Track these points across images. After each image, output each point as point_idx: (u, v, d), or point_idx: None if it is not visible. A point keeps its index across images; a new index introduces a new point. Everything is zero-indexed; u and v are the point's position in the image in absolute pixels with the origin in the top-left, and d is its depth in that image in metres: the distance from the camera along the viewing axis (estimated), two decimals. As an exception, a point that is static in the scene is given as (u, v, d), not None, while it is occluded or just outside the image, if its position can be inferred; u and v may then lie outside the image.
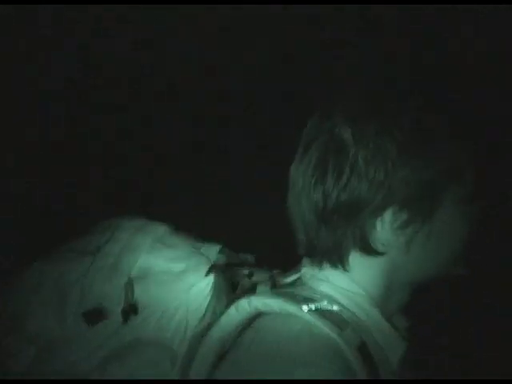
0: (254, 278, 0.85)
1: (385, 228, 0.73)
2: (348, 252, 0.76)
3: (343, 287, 0.76)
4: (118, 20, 2.86)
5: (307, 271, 0.82)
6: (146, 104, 2.68)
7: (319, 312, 0.71)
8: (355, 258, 0.76)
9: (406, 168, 0.71)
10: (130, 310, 0.78)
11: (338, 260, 0.76)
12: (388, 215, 0.73)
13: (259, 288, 0.79)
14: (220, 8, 2.64)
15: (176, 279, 0.82)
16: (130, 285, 0.79)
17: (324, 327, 0.70)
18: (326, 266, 0.78)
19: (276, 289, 0.81)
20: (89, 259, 0.83)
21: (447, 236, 0.76)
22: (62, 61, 2.72)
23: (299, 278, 0.84)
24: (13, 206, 2.54)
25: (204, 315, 0.81)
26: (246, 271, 0.86)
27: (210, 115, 2.73)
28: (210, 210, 2.50)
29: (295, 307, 0.72)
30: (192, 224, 0.95)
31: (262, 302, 0.75)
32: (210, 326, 0.79)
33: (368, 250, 0.75)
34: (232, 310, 0.76)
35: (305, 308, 0.72)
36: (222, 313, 0.78)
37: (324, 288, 0.77)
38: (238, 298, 0.78)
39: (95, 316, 0.78)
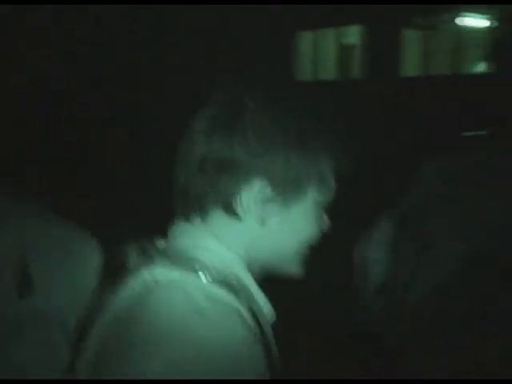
0: (147, 249, 0.84)
1: (249, 195, 0.80)
2: (211, 204, 0.82)
3: (218, 253, 0.83)
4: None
5: (178, 233, 0.85)
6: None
7: (215, 279, 0.78)
8: (219, 215, 0.83)
9: (283, 155, 0.80)
10: (24, 285, 0.77)
11: (200, 209, 0.83)
12: (255, 185, 0.80)
13: (157, 258, 0.80)
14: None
15: (69, 255, 0.82)
16: (21, 261, 0.78)
17: (223, 293, 0.77)
18: (194, 217, 0.84)
19: (169, 257, 0.82)
20: None
21: (298, 227, 0.85)
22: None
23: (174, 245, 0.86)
24: None
25: (97, 292, 0.82)
26: (136, 244, 0.86)
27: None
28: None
29: (194, 275, 0.78)
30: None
31: (162, 271, 0.78)
32: (102, 303, 0.79)
33: (228, 209, 0.81)
34: (132, 283, 0.78)
35: (202, 276, 0.78)
36: (114, 289, 0.79)
37: (206, 256, 0.82)
38: (136, 270, 0.79)
39: None
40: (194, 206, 0.83)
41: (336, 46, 11.41)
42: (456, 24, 9.33)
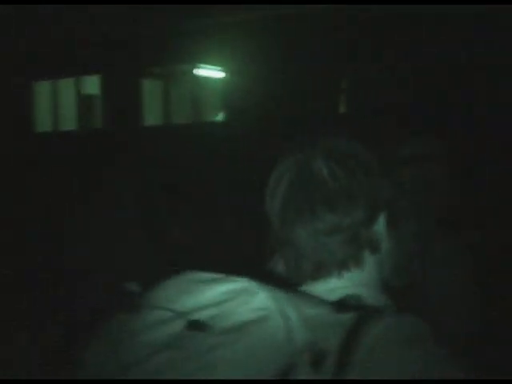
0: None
1: (379, 229, 0.93)
2: (363, 253, 0.92)
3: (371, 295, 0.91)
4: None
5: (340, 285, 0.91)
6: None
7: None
8: (366, 259, 0.93)
9: (386, 185, 0.94)
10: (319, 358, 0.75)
11: (355, 263, 0.91)
12: (381, 218, 0.93)
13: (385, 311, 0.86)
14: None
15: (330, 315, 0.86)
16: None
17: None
18: (344, 274, 0.92)
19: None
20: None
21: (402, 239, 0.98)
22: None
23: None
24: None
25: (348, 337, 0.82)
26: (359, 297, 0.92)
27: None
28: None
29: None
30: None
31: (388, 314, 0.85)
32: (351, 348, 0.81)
33: (375, 248, 0.92)
34: (374, 326, 0.81)
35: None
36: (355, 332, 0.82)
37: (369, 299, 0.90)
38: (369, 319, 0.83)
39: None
40: (329, 265, 0.91)
41: (75, 97, 11.38)
42: (194, 74, 10.31)
